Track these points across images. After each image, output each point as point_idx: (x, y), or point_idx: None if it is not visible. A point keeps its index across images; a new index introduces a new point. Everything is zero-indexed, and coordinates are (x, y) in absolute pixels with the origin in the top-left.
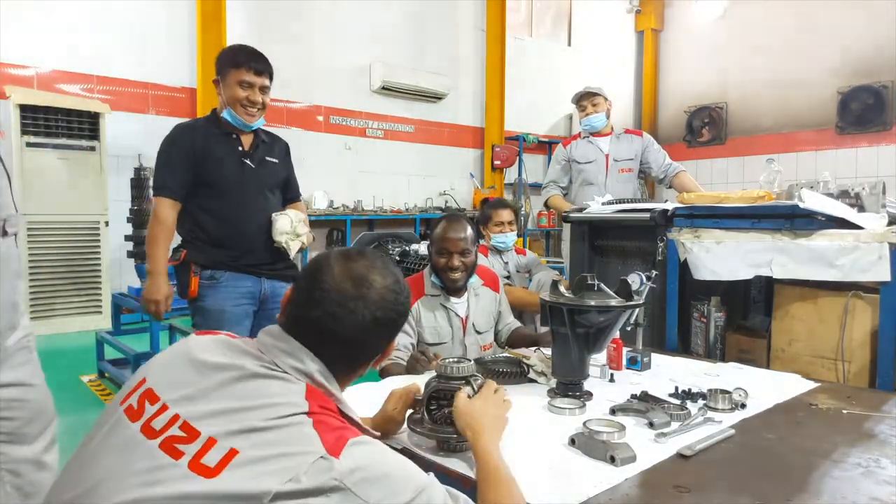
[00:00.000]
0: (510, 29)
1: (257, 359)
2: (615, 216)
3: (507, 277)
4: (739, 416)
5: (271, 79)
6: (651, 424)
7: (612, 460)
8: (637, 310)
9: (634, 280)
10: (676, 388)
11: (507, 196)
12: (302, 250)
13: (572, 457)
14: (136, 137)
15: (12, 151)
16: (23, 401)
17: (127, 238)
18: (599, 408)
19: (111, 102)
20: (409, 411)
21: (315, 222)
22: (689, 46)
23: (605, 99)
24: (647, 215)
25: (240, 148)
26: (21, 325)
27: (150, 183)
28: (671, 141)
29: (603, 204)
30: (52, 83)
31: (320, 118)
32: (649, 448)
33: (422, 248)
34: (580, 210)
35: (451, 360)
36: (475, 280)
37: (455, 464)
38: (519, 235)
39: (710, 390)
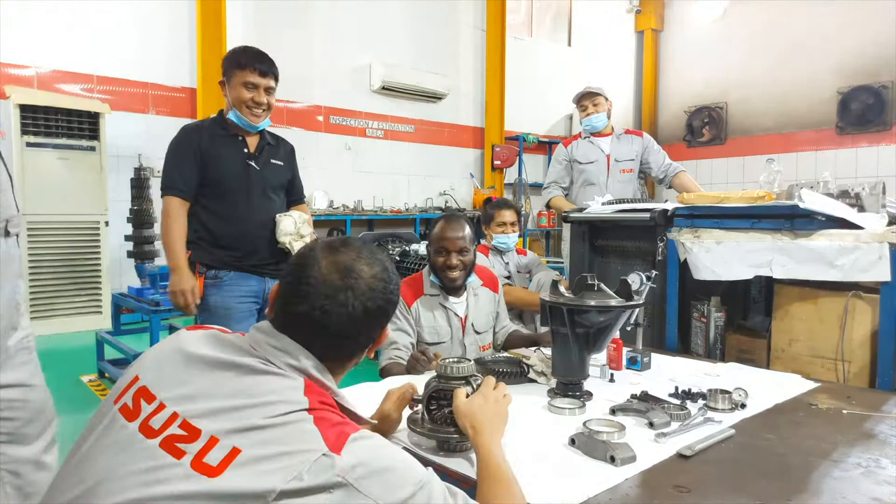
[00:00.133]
0: (510, 29)
1: (251, 355)
2: (615, 216)
3: (508, 277)
4: (739, 416)
5: (277, 80)
6: (651, 424)
7: (612, 460)
8: (637, 310)
9: (634, 280)
10: (676, 388)
11: (507, 196)
12: None
13: (572, 457)
14: (136, 137)
15: (12, 152)
16: (23, 401)
17: (127, 238)
18: (599, 408)
19: (111, 102)
20: (408, 411)
21: (315, 222)
22: (689, 46)
23: (606, 99)
24: (647, 215)
25: (245, 150)
26: (21, 325)
27: (150, 183)
28: (671, 141)
29: (603, 204)
30: (52, 83)
31: (320, 118)
32: (649, 448)
33: (422, 248)
34: (580, 210)
35: (450, 359)
36: (474, 280)
37: (455, 464)
38: (519, 236)
39: (710, 390)
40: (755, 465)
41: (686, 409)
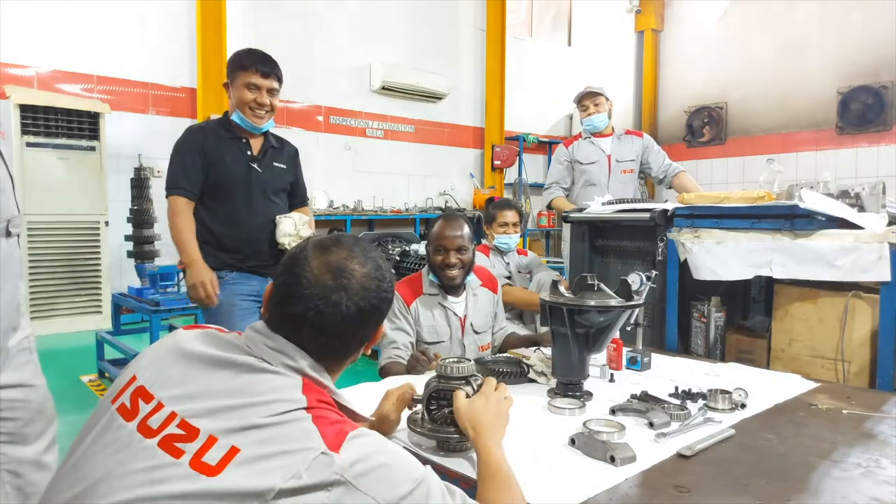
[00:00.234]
0: (510, 29)
1: (248, 354)
2: (615, 216)
3: (509, 278)
4: (739, 416)
5: (280, 82)
6: (651, 424)
7: (612, 460)
8: (637, 310)
9: (634, 280)
10: (676, 388)
11: (507, 196)
12: None
13: (572, 457)
14: (136, 137)
15: (13, 152)
16: (24, 401)
17: (127, 238)
18: (599, 408)
19: (111, 102)
20: (408, 411)
21: (315, 222)
22: (689, 46)
23: (607, 99)
24: (647, 215)
25: (248, 152)
26: (22, 326)
27: (150, 183)
28: (671, 141)
29: (603, 204)
30: (52, 83)
31: (320, 118)
32: (649, 448)
33: (422, 248)
34: (580, 210)
35: (450, 359)
36: (473, 280)
37: (455, 464)
38: (520, 236)
39: (710, 390)
40: (755, 465)
41: (686, 409)
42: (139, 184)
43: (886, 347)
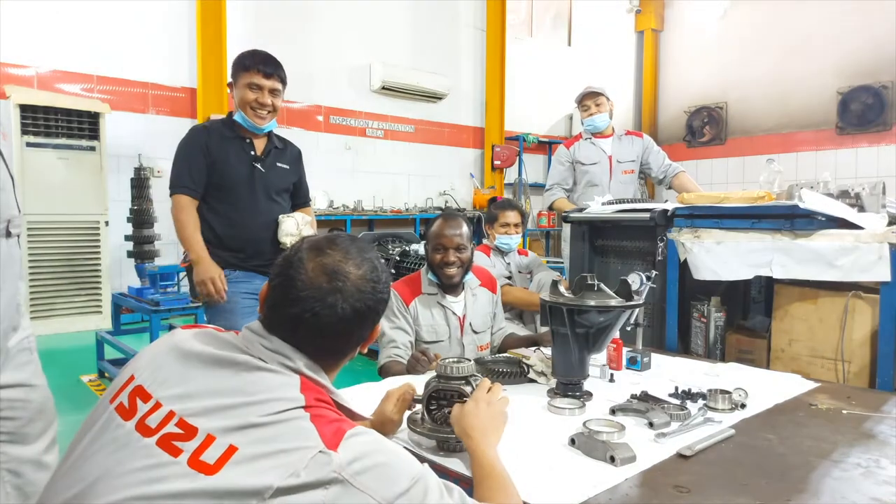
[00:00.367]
0: (510, 29)
1: (246, 353)
2: (615, 216)
3: (509, 278)
4: (739, 416)
5: (283, 83)
6: (651, 424)
7: (612, 460)
8: (637, 310)
9: (634, 280)
10: (676, 388)
11: (507, 196)
12: None
13: (572, 457)
14: (136, 137)
15: (13, 152)
16: (24, 401)
17: (127, 238)
18: (599, 408)
19: (111, 102)
20: (408, 411)
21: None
22: (689, 46)
23: (608, 99)
24: (647, 215)
25: (252, 152)
26: (22, 326)
27: (150, 183)
28: (671, 141)
29: (603, 204)
30: (52, 83)
31: (320, 118)
32: (649, 448)
33: (422, 248)
34: (580, 210)
35: (450, 359)
36: (472, 280)
37: (455, 463)
38: (521, 237)
39: (710, 390)
40: (755, 465)
41: (686, 409)
42: (139, 184)
43: (886, 347)
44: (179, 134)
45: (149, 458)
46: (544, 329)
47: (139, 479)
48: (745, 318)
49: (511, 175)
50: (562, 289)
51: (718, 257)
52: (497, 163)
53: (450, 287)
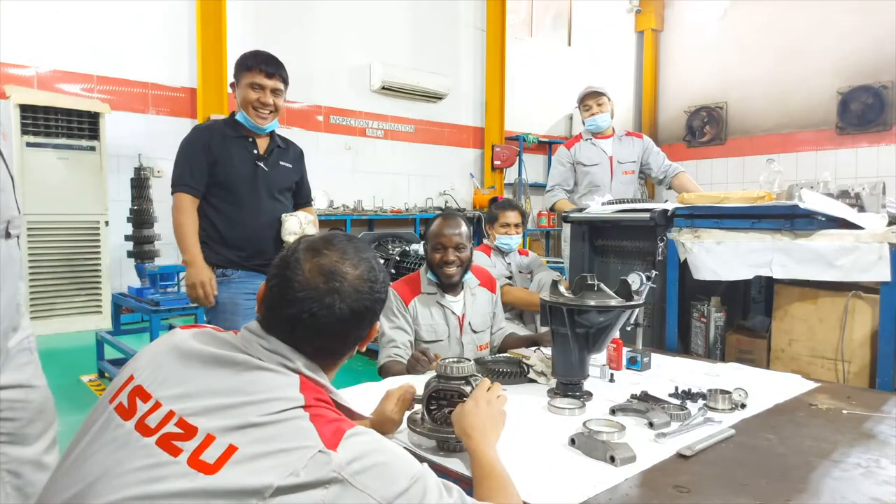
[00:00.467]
0: (510, 29)
1: (245, 353)
2: (615, 216)
3: (510, 278)
4: (739, 416)
5: (286, 83)
6: (651, 424)
7: (612, 460)
8: (637, 310)
9: (634, 280)
10: (676, 388)
11: (507, 196)
12: None
13: (572, 457)
14: (136, 137)
15: (13, 152)
16: (24, 402)
17: (127, 238)
18: (599, 408)
19: (111, 102)
20: (408, 411)
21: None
22: (689, 46)
23: (609, 99)
24: (647, 215)
25: (254, 151)
26: (22, 326)
27: (150, 183)
28: (671, 141)
29: (603, 204)
30: (52, 83)
31: (320, 118)
32: (649, 448)
33: (421, 248)
34: (580, 210)
35: (450, 359)
36: (472, 279)
37: (454, 463)
38: (521, 237)
39: (710, 390)
40: (755, 465)
41: (686, 409)
42: (139, 184)
43: (886, 347)
44: (179, 134)
45: (148, 457)
46: (544, 329)
47: (139, 479)
48: (745, 318)
49: (511, 175)
50: (562, 289)
51: (718, 257)
52: (497, 163)
53: (449, 286)
